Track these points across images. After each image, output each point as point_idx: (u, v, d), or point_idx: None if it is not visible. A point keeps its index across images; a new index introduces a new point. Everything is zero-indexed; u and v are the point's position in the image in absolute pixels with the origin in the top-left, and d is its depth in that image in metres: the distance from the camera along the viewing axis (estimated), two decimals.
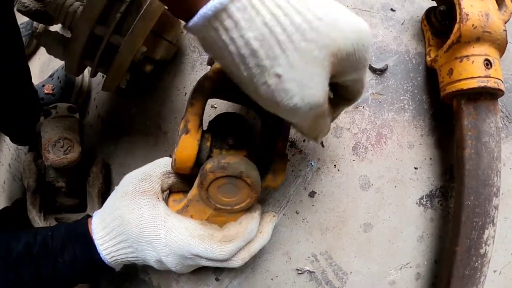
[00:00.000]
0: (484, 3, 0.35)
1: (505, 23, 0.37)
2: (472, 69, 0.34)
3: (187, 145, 0.29)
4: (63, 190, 0.49)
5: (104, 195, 0.52)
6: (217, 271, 0.44)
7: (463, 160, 0.35)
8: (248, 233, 0.31)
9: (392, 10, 0.45)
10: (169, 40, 0.43)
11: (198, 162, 0.30)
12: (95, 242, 0.30)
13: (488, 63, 0.34)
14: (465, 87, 0.34)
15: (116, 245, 0.31)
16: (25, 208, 0.46)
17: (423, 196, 0.41)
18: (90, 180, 0.49)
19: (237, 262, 0.32)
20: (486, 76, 0.34)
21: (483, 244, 0.35)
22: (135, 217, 0.30)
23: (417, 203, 0.40)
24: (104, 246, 0.30)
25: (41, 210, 0.46)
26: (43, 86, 0.53)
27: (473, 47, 0.35)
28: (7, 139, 0.64)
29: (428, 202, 0.41)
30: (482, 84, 0.34)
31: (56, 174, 0.47)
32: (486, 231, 0.35)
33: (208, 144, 0.30)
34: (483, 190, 0.35)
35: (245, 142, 0.32)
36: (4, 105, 0.45)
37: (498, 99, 0.39)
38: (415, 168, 0.40)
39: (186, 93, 0.47)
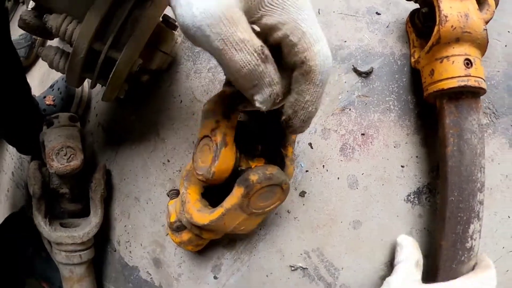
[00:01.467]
0: (463, 4, 0.37)
1: (487, 22, 0.39)
2: (452, 69, 0.36)
3: (227, 159, 0.31)
4: (67, 196, 0.53)
5: (106, 200, 0.56)
6: (215, 269, 0.48)
7: (445, 158, 0.38)
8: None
9: (377, 13, 0.48)
10: (164, 51, 0.47)
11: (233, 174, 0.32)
12: None
13: (468, 63, 0.36)
14: (445, 87, 0.36)
15: None
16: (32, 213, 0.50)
17: (410, 193, 0.43)
18: (92, 186, 0.53)
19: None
20: (466, 76, 0.36)
21: (469, 238, 0.37)
22: None
23: (404, 200, 0.43)
24: None
25: (46, 216, 0.50)
26: (44, 97, 0.57)
27: (453, 48, 0.36)
28: (9, 148, 0.68)
29: (416, 199, 0.44)
30: (462, 84, 0.36)
31: (60, 181, 0.51)
32: (472, 226, 0.37)
33: (238, 155, 0.33)
34: (466, 185, 0.37)
35: (264, 149, 0.35)
36: (6, 119, 0.49)
37: (483, 96, 0.41)
38: (402, 166, 0.43)
39: (181, 101, 0.51)
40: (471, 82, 0.36)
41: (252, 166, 0.33)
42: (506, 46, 0.49)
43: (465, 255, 0.37)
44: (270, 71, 0.23)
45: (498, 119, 0.47)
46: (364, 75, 0.45)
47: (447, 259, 0.37)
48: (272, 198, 0.34)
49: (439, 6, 0.37)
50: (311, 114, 0.25)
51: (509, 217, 0.46)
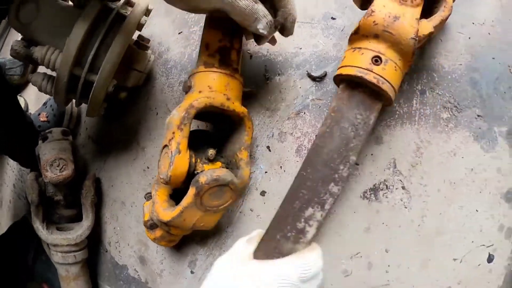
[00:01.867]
0: (400, 7, 0.36)
1: (439, 25, 0.41)
2: (357, 60, 0.36)
3: (181, 164, 0.36)
4: (62, 203, 0.59)
5: (96, 205, 0.62)
6: (191, 265, 0.53)
7: (317, 135, 0.37)
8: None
9: (333, 18, 0.52)
10: (138, 69, 0.53)
11: (188, 176, 0.38)
12: None
13: (377, 60, 0.35)
14: (343, 73, 0.36)
15: None
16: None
17: (366, 190, 0.47)
18: (83, 193, 0.59)
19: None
20: (367, 69, 0.35)
21: (303, 220, 0.33)
22: (245, 279, 0.28)
23: (361, 196, 0.47)
24: None
25: (44, 221, 0.57)
26: (39, 114, 0.64)
27: (369, 42, 0.36)
28: (10, 161, 0.76)
29: (373, 195, 0.47)
30: (359, 74, 0.35)
31: (54, 189, 0.58)
32: (310, 209, 0.33)
33: (193, 160, 0.38)
34: (321, 168, 0.34)
35: (218, 154, 0.41)
36: (6, 138, 0.56)
37: (443, 90, 0.43)
38: (357, 164, 0.47)
39: (157, 113, 0.57)
40: (369, 77, 0.34)
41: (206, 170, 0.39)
42: (470, 38, 0.51)
43: (293, 234, 0.33)
44: (262, 8, 0.37)
45: (461, 113, 0.49)
46: (317, 79, 0.49)
47: (275, 226, 0.34)
48: (224, 197, 0.39)
49: (373, 3, 0.36)
50: (294, 18, 0.40)
51: (477, 210, 0.48)
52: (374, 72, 0.35)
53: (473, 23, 0.51)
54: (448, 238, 0.47)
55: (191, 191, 0.37)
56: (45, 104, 0.66)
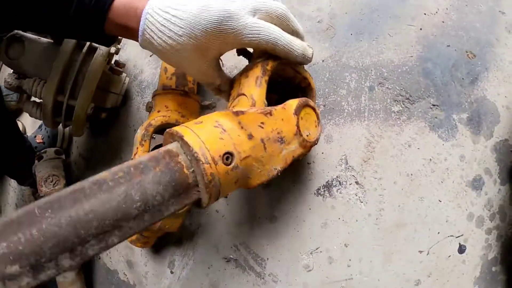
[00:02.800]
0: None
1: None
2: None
3: None
4: None
5: None
6: (170, 265, 0.59)
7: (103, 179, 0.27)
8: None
9: None
10: (115, 92, 0.60)
11: None
12: None
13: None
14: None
15: None
16: None
17: (320, 187, 0.50)
18: None
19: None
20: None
21: None
22: None
23: (315, 193, 0.50)
24: None
25: None
26: (35, 136, 0.73)
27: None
28: (11, 182, 0.84)
29: (326, 192, 0.51)
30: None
31: None
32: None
33: None
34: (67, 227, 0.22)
35: None
36: (7, 159, 0.65)
37: (393, 84, 0.49)
38: (308, 163, 0.52)
39: (135, 130, 0.64)
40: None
41: None
42: (421, 29, 0.54)
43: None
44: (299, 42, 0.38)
45: (414, 104, 0.51)
46: None
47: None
48: None
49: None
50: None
51: (440, 201, 0.49)
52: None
53: (424, 14, 0.54)
54: (411, 230, 0.49)
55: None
56: (40, 127, 0.75)
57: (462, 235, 0.49)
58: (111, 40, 0.38)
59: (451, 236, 0.49)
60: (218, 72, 0.37)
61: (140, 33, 0.32)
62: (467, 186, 0.50)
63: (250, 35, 0.32)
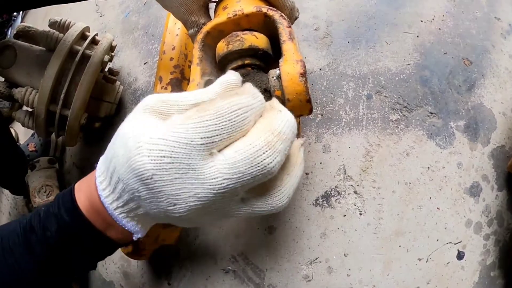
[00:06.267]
0: None
1: None
2: None
3: None
4: None
5: None
6: (168, 277, 0.59)
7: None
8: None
9: None
10: (109, 101, 0.61)
11: None
12: (99, 191, 0.23)
13: None
14: None
15: (113, 184, 0.23)
16: None
17: (318, 197, 0.52)
18: None
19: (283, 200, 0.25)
20: None
21: None
22: (124, 138, 0.22)
23: (313, 204, 0.52)
24: (105, 192, 0.23)
25: None
26: (28, 144, 0.73)
27: None
28: (4, 190, 0.84)
29: (325, 202, 0.52)
30: None
31: None
32: None
33: None
34: None
35: None
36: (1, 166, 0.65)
37: (391, 92, 0.49)
38: (306, 174, 0.52)
39: None
40: None
41: None
42: (418, 36, 0.55)
43: None
44: None
45: (411, 112, 0.52)
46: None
47: None
48: None
49: None
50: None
51: (438, 208, 0.51)
52: None
53: (421, 21, 0.55)
54: (410, 238, 0.50)
55: None
56: (33, 135, 0.75)
57: (460, 242, 0.50)
58: None
59: (449, 243, 0.50)
60: (204, 11, 0.36)
61: None
62: (465, 193, 0.51)
63: None
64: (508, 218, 0.53)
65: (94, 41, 0.57)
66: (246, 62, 0.33)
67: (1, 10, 0.46)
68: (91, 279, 0.72)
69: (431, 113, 0.53)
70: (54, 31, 0.55)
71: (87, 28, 0.57)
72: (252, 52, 0.33)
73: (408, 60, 0.54)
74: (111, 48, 0.58)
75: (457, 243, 0.51)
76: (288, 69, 0.30)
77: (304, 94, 0.29)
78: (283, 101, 0.31)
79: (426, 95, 0.52)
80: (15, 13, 1.26)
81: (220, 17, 0.34)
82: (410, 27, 0.55)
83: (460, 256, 0.51)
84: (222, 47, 0.33)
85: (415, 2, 0.57)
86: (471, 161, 0.52)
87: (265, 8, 0.32)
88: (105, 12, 0.80)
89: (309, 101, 0.30)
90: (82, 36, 0.56)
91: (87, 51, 0.54)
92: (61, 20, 0.56)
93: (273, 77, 0.31)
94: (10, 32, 1.24)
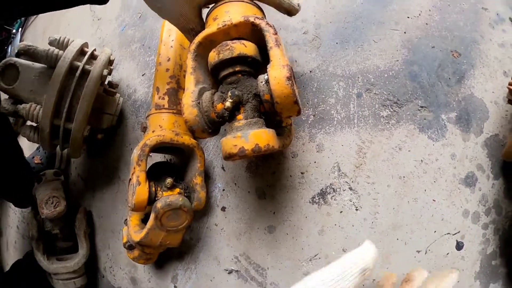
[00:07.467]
0: None
1: None
2: None
3: (141, 193, 0.46)
4: (59, 236, 0.70)
5: (90, 235, 0.72)
6: (174, 279, 0.62)
7: None
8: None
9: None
10: (109, 113, 0.63)
11: (150, 202, 0.47)
12: None
13: None
14: None
15: None
16: (34, 261, 0.68)
17: (314, 195, 0.53)
18: (77, 225, 0.70)
19: None
20: None
21: None
22: None
23: (310, 202, 0.53)
24: None
25: (45, 253, 0.68)
26: (33, 157, 0.76)
27: None
28: (12, 205, 0.86)
29: (321, 199, 0.53)
30: None
31: (51, 224, 0.69)
32: None
33: (153, 189, 0.48)
34: None
35: (177, 181, 0.50)
36: (5, 179, 0.67)
37: (381, 89, 0.51)
38: (302, 173, 0.54)
39: (131, 148, 0.67)
40: None
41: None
42: (405, 32, 0.55)
43: None
44: None
45: (402, 107, 0.53)
46: None
47: None
48: (180, 219, 0.47)
49: None
50: None
51: (434, 200, 0.51)
52: None
53: (408, 17, 0.56)
54: (407, 231, 0.51)
55: (152, 215, 0.47)
56: (38, 148, 0.78)
57: (458, 232, 0.51)
58: None
59: (447, 234, 0.51)
60: (199, 18, 0.39)
61: None
62: (460, 184, 0.52)
63: None
64: (506, 206, 0.53)
65: (93, 56, 0.60)
66: (237, 69, 0.36)
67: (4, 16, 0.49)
68: (100, 286, 0.74)
69: (422, 106, 0.53)
70: (54, 48, 0.58)
71: (85, 44, 0.60)
72: (241, 59, 0.35)
73: (396, 56, 0.54)
74: (110, 62, 0.61)
75: (455, 233, 0.51)
76: (275, 73, 0.32)
77: (291, 96, 0.32)
78: (272, 104, 0.33)
79: (415, 90, 0.53)
80: (14, 31, 1.30)
81: (210, 28, 0.37)
82: (397, 24, 0.56)
83: (459, 246, 0.51)
84: (213, 56, 0.36)
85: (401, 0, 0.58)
86: (465, 151, 0.53)
87: (252, 18, 0.35)
88: (102, 26, 0.83)
89: (296, 102, 0.32)
90: (81, 52, 0.59)
91: (87, 66, 0.57)
92: (60, 37, 0.59)
93: (262, 82, 0.34)
94: (10, 49, 1.27)
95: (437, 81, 0.55)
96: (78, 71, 0.56)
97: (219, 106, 0.35)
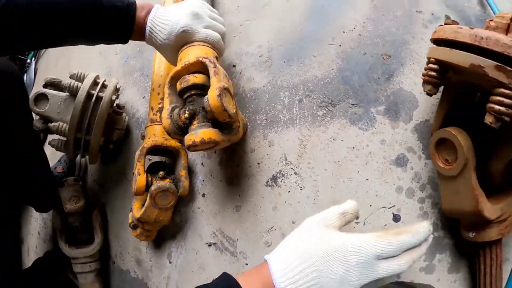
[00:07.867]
0: None
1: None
2: None
3: (140, 181, 0.63)
4: (79, 228, 0.87)
5: (104, 227, 0.89)
6: (169, 256, 0.77)
7: None
8: (415, 232, 0.40)
9: (234, 66, 0.80)
10: (118, 128, 0.83)
11: (147, 189, 0.64)
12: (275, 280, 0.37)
13: None
14: None
15: (299, 273, 0.37)
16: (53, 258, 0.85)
17: (268, 180, 0.62)
18: (93, 219, 0.87)
19: (404, 264, 0.39)
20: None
21: None
22: (324, 241, 0.38)
23: (265, 185, 0.62)
24: (283, 278, 0.37)
25: (67, 242, 0.85)
26: (56, 167, 0.95)
27: None
28: (34, 213, 0.96)
29: (273, 183, 0.61)
30: None
31: (73, 218, 0.87)
32: None
33: (150, 179, 0.65)
34: None
35: (168, 174, 0.67)
36: (36, 187, 0.86)
37: (318, 94, 0.60)
38: (258, 163, 0.65)
39: None
40: None
41: None
42: (340, 45, 0.61)
43: None
44: None
45: (335, 106, 0.59)
46: None
47: None
48: (168, 199, 0.64)
49: None
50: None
51: (367, 179, 0.56)
52: None
53: (343, 32, 0.63)
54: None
55: (148, 196, 0.64)
56: (59, 160, 0.98)
57: (394, 206, 0.55)
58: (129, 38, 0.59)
59: (383, 207, 0.54)
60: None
61: (146, 36, 0.58)
62: (391, 164, 0.55)
63: (202, 37, 0.57)
64: None
65: (103, 85, 0.80)
66: (192, 92, 0.54)
67: (13, 50, 0.66)
68: (111, 271, 0.90)
69: (353, 104, 0.58)
70: (74, 81, 0.77)
71: (97, 76, 0.80)
72: (194, 86, 0.54)
73: (332, 66, 0.60)
74: (117, 89, 0.81)
75: (390, 207, 0.55)
76: (211, 93, 0.50)
77: (220, 107, 0.50)
78: (212, 112, 0.51)
79: (347, 91, 0.58)
80: (28, 60, 1.37)
81: (177, 67, 0.56)
82: (333, 39, 0.62)
83: (396, 218, 0.54)
84: (179, 86, 0.55)
85: (338, 16, 0.63)
86: (394, 137, 0.56)
87: (201, 58, 0.54)
88: (109, 58, 1.00)
89: (225, 110, 0.50)
90: (95, 82, 0.78)
91: (100, 94, 0.77)
92: (78, 72, 0.79)
93: (205, 99, 0.52)
94: (26, 78, 1.34)
95: (367, 81, 0.59)
96: (94, 98, 0.76)
97: (183, 117, 0.52)
